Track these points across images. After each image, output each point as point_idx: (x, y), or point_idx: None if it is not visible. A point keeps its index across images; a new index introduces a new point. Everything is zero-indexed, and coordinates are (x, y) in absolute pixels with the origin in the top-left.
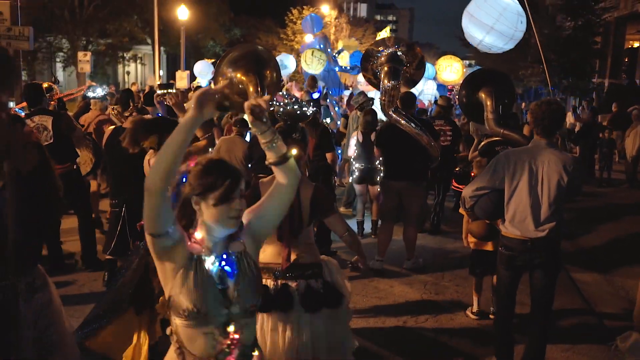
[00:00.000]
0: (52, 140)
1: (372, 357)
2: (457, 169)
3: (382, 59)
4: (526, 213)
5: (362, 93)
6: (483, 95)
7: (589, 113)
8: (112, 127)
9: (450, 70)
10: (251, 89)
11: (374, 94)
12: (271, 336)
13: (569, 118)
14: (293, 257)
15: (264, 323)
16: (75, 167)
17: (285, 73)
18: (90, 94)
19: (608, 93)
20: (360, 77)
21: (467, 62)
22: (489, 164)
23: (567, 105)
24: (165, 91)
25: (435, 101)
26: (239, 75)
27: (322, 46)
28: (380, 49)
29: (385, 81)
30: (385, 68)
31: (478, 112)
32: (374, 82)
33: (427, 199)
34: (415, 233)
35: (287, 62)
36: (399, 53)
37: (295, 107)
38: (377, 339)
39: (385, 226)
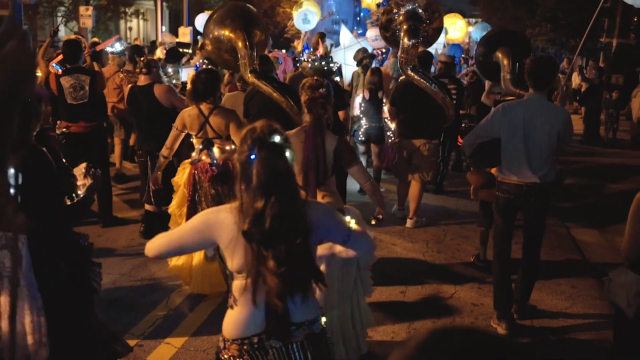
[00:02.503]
0: (86, 100)
1: (374, 309)
2: (463, 126)
3: (401, 17)
4: (521, 160)
5: (362, 49)
6: (500, 55)
7: (595, 73)
8: (130, 85)
9: (454, 28)
10: (240, 44)
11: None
12: None
13: (576, 78)
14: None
15: None
16: (105, 125)
17: (307, 28)
18: (108, 49)
19: (616, 53)
20: (368, 33)
21: (474, 19)
22: (487, 115)
23: (574, 65)
24: (187, 50)
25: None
26: (226, 33)
27: (357, 9)
28: (396, 11)
29: (405, 39)
30: (405, 26)
31: (494, 71)
32: (392, 41)
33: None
34: (422, 191)
35: (310, 17)
36: (418, 10)
37: (323, 62)
38: (379, 294)
39: (402, 183)
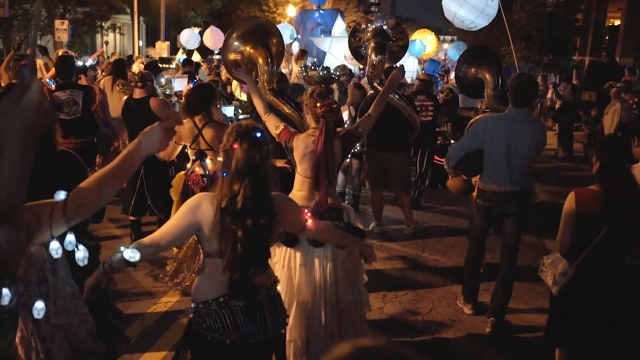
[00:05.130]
0: (79, 115)
1: None
2: (438, 143)
3: (369, 34)
4: (502, 170)
5: (341, 66)
6: (483, 72)
7: (570, 90)
8: (125, 97)
9: (425, 42)
10: (260, 61)
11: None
12: (300, 271)
13: (550, 95)
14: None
15: (291, 260)
16: (95, 140)
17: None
18: (79, 63)
19: (588, 71)
20: (347, 52)
21: (449, 37)
22: (472, 127)
23: (548, 82)
24: (167, 66)
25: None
26: (248, 49)
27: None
28: (363, 27)
29: (372, 55)
30: (372, 43)
31: (474, 87)
32: (360, 56)
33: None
34: (409, 198)
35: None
36: (385, 27)
37: (329, 72)
38: None
39: (375, 194)
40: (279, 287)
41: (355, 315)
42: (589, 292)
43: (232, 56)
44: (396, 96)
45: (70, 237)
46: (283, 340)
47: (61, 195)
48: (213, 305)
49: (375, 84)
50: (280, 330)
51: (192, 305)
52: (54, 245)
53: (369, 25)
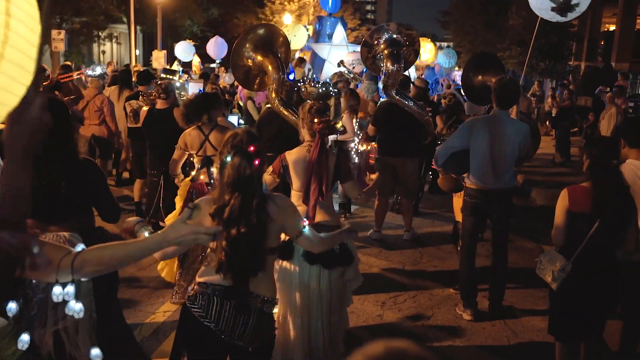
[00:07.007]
0: None
1: (350, 337)
2: (437, 147)
3: (382, 45)
4: (487, 169)
5: (338, 74)
6: (490, 79)
7: (566, 94)
8: (146, 108)
9: (423, 50)
10: (270, 69)
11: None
12: (297, 287)
13: (548, 101)
14: (318, 218)
15: (286, 275)
16: None
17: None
18: (89, 72)
19: (584, 76)
20: (346, 58)
21: (445, 44)
22: (458, 128)
23: (545, 88)
24: (170, 77)
25: (412, 82)
26: (259, 57)
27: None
28: (376, 41)
29: (388, 64)
30: (386, 52)
31: (481, 94)
32: (375, 68)
33: None
34: (412, 206)
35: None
36: (395, 36)
37: (327, 89)
38: (356, 317)
39: (381, 200)
40: (275, 310)
41: (338, 333)
42: (585, 288)
43: (242, 63)
44: (410, 102)
45: (70, 289)
46: (259, 353)
47: (79, 247)
48: (209, 288)
49: (392, 93)
50: (255, 345)
51: (194, 281)
52: (57, 290)
53: (379, 39)
